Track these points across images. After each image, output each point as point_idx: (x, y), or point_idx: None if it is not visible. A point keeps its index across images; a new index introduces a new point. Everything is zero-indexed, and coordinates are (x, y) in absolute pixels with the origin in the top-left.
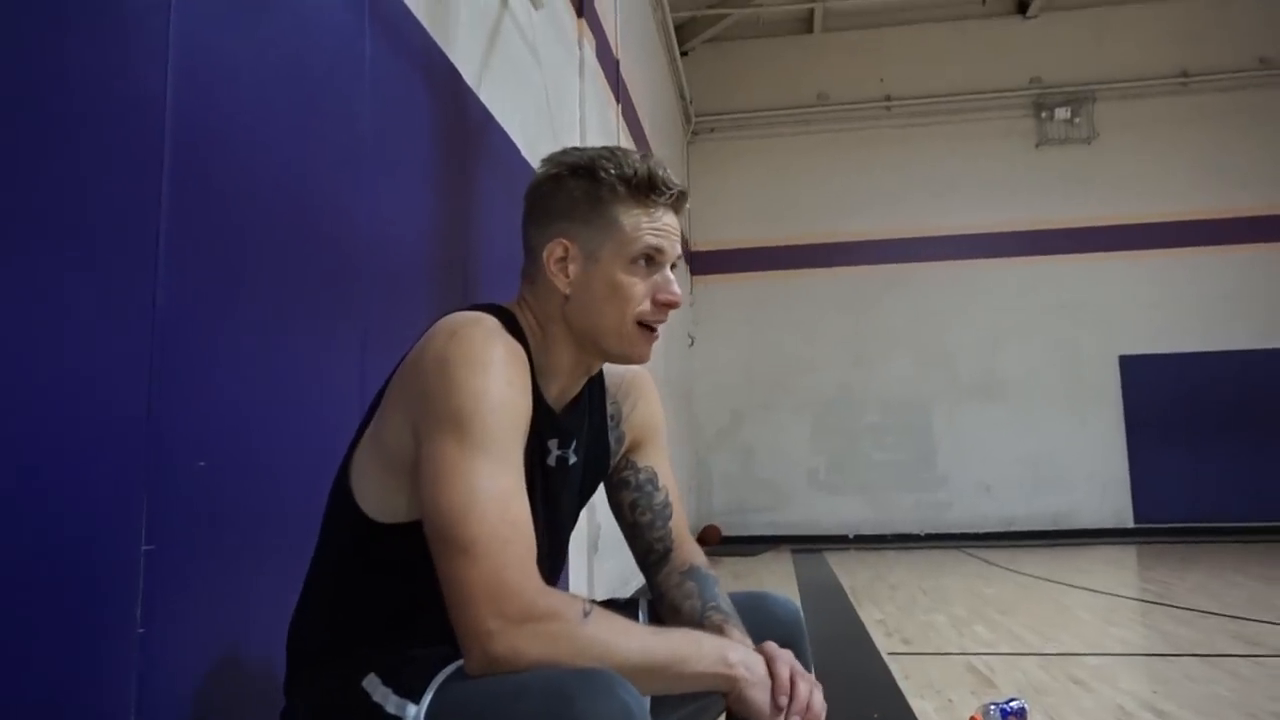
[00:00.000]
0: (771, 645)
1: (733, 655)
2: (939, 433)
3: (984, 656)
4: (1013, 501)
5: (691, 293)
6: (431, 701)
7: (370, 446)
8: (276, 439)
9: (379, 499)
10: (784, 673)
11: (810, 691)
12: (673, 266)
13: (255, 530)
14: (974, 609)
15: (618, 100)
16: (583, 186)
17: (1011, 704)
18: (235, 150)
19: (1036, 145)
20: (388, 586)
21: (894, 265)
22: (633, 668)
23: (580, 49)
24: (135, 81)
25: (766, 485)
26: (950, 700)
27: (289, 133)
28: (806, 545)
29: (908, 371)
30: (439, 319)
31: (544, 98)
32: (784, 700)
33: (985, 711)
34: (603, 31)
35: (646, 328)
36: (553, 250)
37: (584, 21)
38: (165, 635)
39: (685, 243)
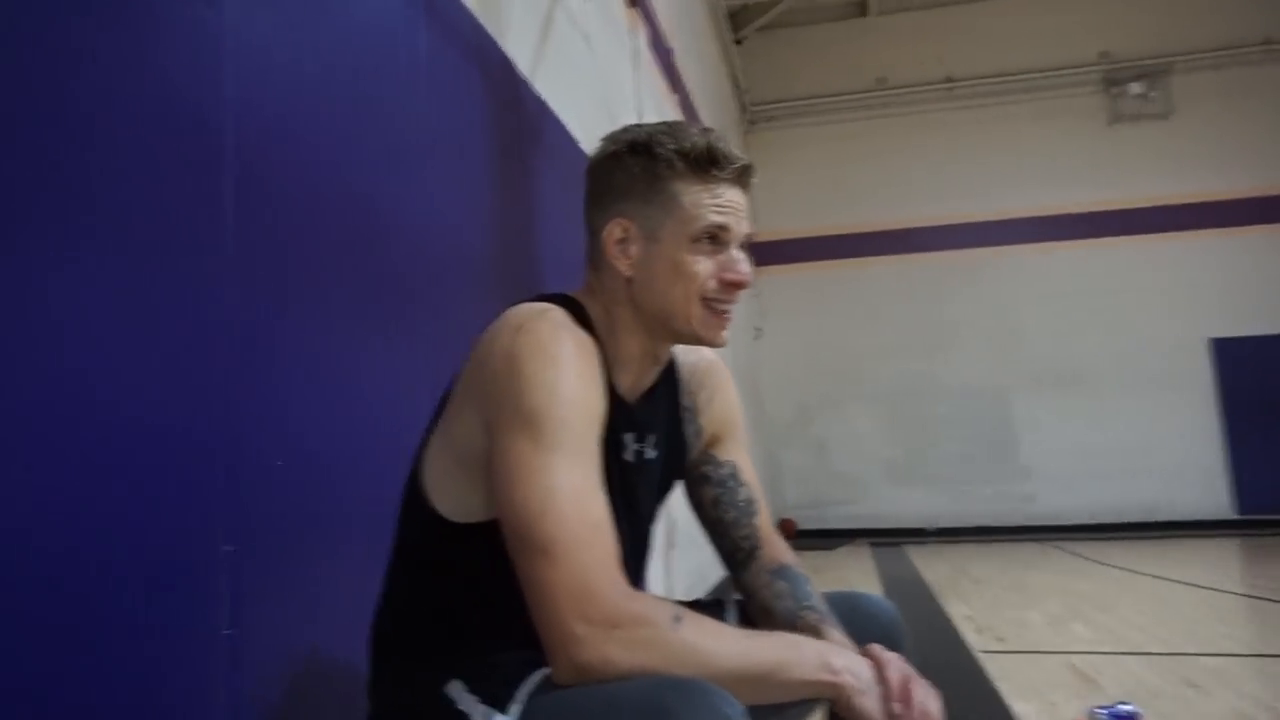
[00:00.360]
0: (878, 648)
1: (837, 660)
2: (1019, 423)
3: (1086, 656)
4: (1101, 493)
5: (756, 284)
6: (521, 714)
7: (441, 444)
8: (353, 436)
9: (453, 498)
10: (896, 678)
11: (926, 698)
12: (743, 246)
13: (336, 529)
14: (1069, 605)
15: (673, 91)
16: (640, 163)
17: (1122, 708)
18: (296, 149)
19: (1109, 123)
20: (467, 588)
21: (962, 251)
22: (730, 676)
23: (634, 39)
24: (192, 83)
25: (841, 478)
26: (1053, 703)
27: (349, 130)
28: (884, 539)
29: (983, 360)
30: (504, 311)
31: (600, 89)
32: (898, 708)
33: (1092, 716)
34: (655, 21)
35: (714, 309)
36: (612, 231)
37: (636, 10)
38: (251, 638)
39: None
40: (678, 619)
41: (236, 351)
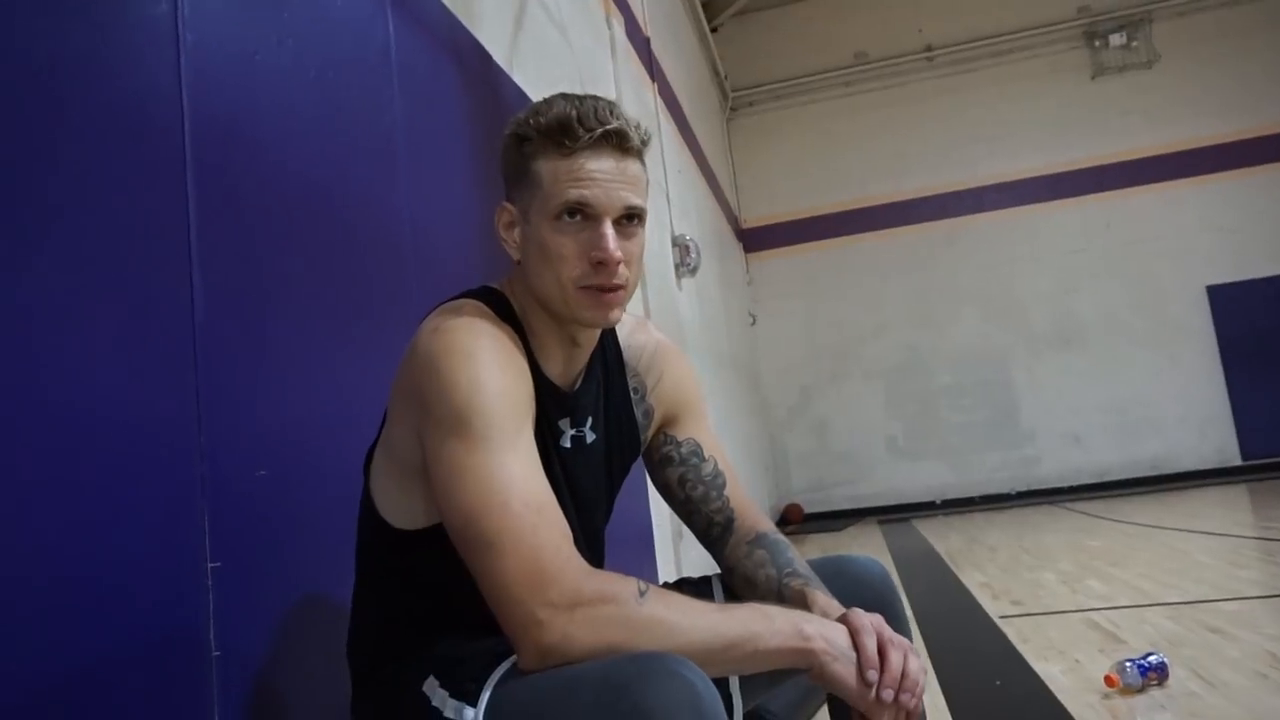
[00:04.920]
0: (855, 613)
1: (808, 628)
2: (1019, 387)
3: (1104, 611)
4: (1106, 450)
5: (748, 271)
6: (488, 703)
7: (383, 453)
8: (337, 442)
9: (397, 506)
10: (869, 643)
11: (903, 659)
12: (633, 218)
13: (324, 537)
14: (1082, 563)
15: (653, 80)
16: (512, 143)
17: (1149, 659)
18: (259, 150)
19: (1092, 77)
20: (427, 593)
21: (952, 220)
22: (698, 649)
23: (610, 28)
24: (146, 83)
25: (844, 458)
26: (1077, 661)
27: (315, 126)
28: (892, 515)
29: (979, 327)
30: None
31: (578, 80)
32: (873, 675)
33: (1121, 669)
34: (630, 10)
35: (593, 290)
36: (500, 216)
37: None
38: (241, 658)
39: (722, 217)
40: (642, 594)
41: (206, 361)
